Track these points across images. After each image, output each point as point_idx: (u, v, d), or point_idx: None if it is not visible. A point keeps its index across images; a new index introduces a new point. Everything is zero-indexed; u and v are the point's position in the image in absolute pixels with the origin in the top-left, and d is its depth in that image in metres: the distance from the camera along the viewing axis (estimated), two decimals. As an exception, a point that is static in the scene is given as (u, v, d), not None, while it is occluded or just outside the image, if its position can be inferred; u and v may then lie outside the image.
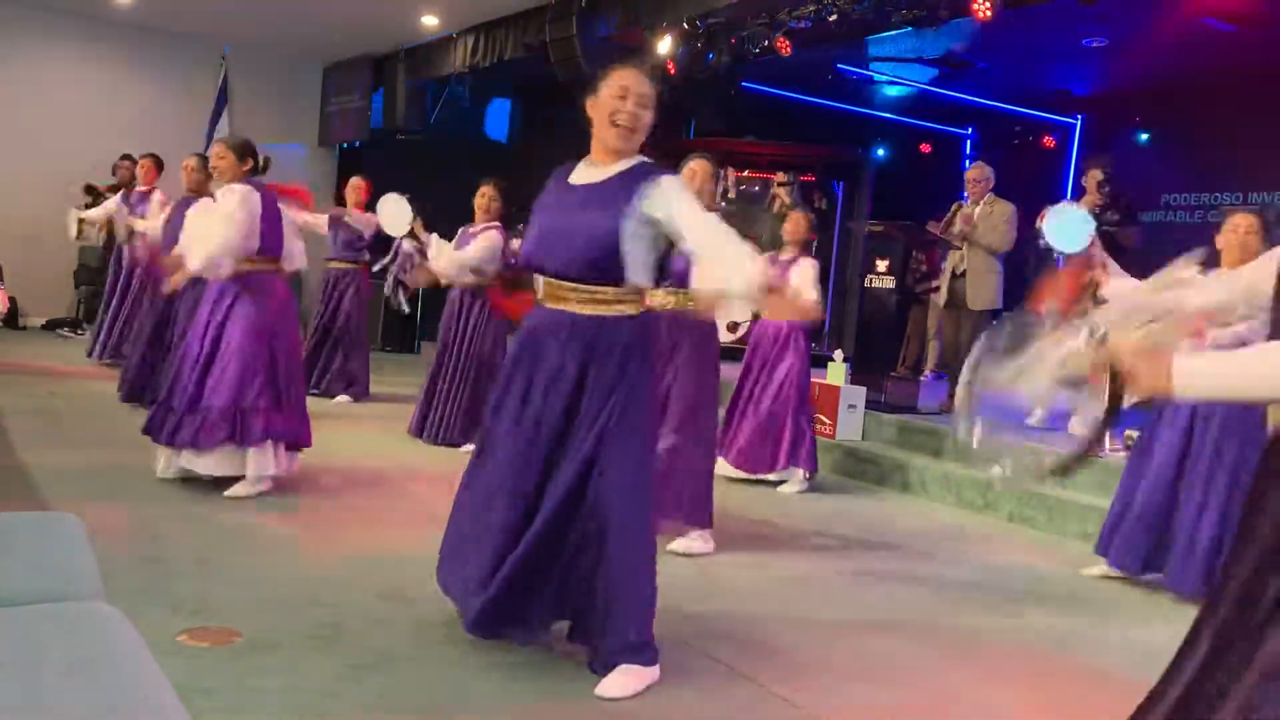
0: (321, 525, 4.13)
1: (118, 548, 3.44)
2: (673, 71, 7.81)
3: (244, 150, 4.62)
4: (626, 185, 2.77)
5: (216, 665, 2.65)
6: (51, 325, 10.57)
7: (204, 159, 6.45)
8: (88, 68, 10.80)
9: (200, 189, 6.34)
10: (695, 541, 4.22)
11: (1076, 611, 3.93)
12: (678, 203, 2.74)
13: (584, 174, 2.88)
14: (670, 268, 3.03)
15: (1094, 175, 6.73)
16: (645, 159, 2.86)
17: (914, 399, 6.90)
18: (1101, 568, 4.39)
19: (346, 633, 2.95)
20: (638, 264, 2.77)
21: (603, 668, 2.75)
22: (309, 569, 3.52)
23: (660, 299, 3.84)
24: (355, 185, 7.68)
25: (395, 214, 6.68)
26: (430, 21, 9.28)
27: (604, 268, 2.74)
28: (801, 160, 10.98)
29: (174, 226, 6.19)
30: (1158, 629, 3.71)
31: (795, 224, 5.74)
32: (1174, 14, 6.94)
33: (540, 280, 2.86)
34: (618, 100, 2.76)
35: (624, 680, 2.72)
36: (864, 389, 6.63)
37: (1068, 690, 3.09)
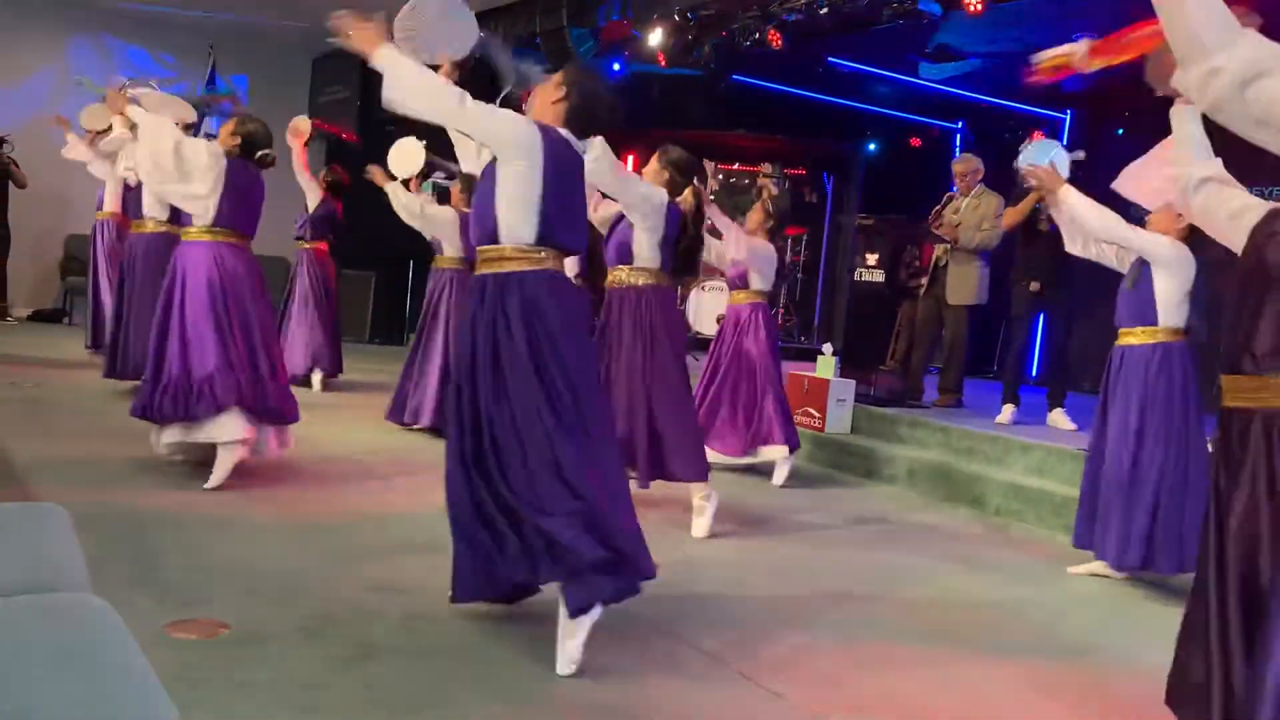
0: (309, 516, 4.11)
1: (104, 539, 3.42)
2: (663, 63, 7.79)
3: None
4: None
5: (204, 657, 2.63)
6: (37, 317, 10.50)
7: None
8: (74, 53, 10.71)
9: None
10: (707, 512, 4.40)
11: (1063, 600, 3.95)
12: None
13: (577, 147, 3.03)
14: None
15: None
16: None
17: (902, 392, 6.92)
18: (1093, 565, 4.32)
19: (335, 624, 2.94)
20: None
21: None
22: (297, 560, 3.51)
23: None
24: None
25: (406, 157, 6.74)
26: (420, 12, 9.23)
27: None
28: (792, 153, 10.97)
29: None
30: (1148, 615, 3.73)
31: (754, 215, 5.59)
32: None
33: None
34: None
35: None
36: (853, 382, 6.64)
37: (1061, 676, 3.10)
